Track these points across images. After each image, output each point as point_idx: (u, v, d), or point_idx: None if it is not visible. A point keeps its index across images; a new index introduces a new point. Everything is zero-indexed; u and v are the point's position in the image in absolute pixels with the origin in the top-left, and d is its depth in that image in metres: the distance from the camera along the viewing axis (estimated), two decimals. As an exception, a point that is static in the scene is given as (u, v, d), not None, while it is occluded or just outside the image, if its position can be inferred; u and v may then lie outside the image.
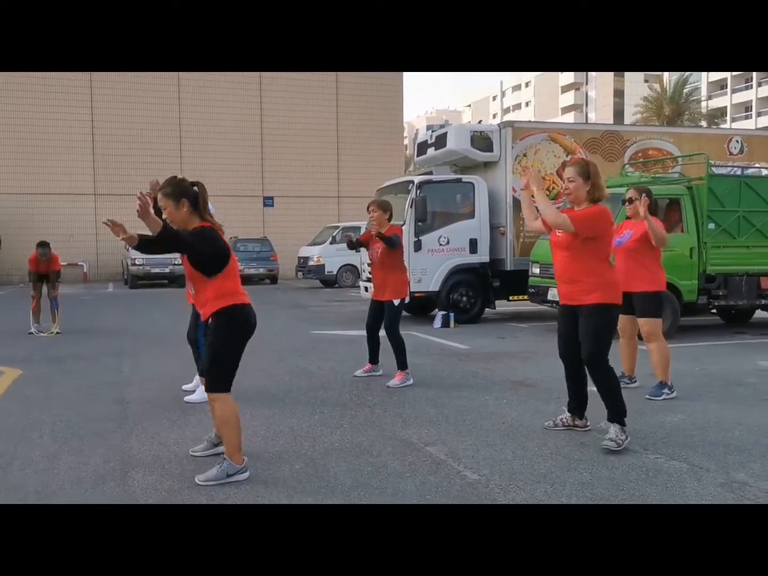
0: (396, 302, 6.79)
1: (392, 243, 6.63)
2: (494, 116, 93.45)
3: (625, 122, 60.29)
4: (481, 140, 11.83)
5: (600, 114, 76.34)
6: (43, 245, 10.95)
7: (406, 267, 7.17)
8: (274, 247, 24.77)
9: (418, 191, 11.32)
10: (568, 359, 4.84)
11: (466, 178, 11.90)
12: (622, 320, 6.24)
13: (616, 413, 4.57)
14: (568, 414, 5.00)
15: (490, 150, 11.86)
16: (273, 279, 24.49)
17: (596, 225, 4.53)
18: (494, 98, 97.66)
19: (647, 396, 5.98)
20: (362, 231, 12.70)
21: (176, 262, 22.35)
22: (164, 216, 3.94)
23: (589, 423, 4.98)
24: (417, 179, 11.68)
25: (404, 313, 12.66)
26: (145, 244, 3.68)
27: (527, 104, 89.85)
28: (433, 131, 12.82)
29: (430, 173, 12.36)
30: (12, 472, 4.10)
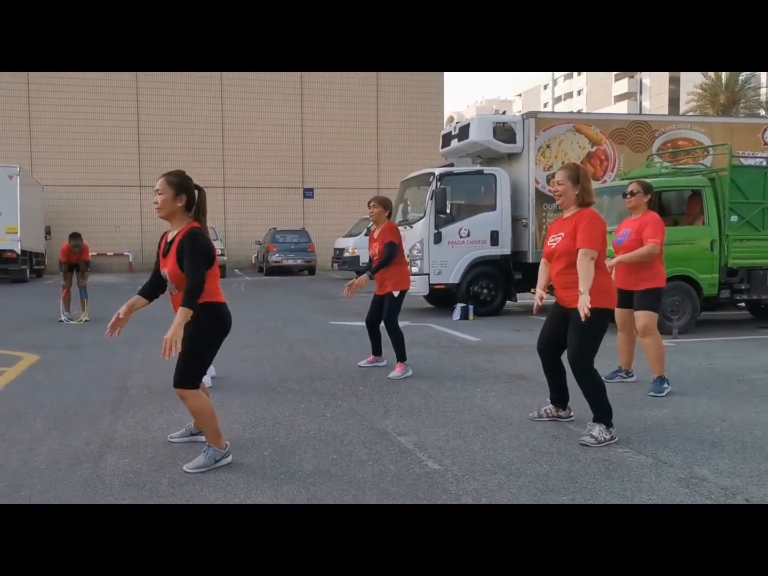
0: (396, 294, 6.83)
1: (388, 259, 6.77)
2: (545, 105, 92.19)
3: (680, 111, 58.74)
4: (504, 131, 11.78)
5: (654, 102, 74.46)
6: (75, 237, 11.34)
7: (406, 260, 7.23)
8: (314, 238, 25.08)
9: (439, 183, 11.35)
10: (545, 354, 4.93)
11: (487, 169, 11.87)
12: (621, 314, 6.24)
13: (602, 415, 4.58)
14: (551, 405, 5.06)
15: (513, 141, 11.81)
16: (311, 270, 24.80)
17: (602, 237, 4.60)
18: (545, 87, 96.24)
19: (650, 394, 5.86)
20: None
21: (218, 254, 22.89)
22: (155, 200, 4.00)
23: (572, 414, 5.03)
24: (438, 171, 11.70)
25: (425, 305, 12.82)
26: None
27: (579, 93, 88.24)
28: (457, 122, 12.80)
29: (452, 165, 12.36)
30: (-3, 452, 4.33)
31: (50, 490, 3.68)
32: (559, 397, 5.02)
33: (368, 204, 7.00)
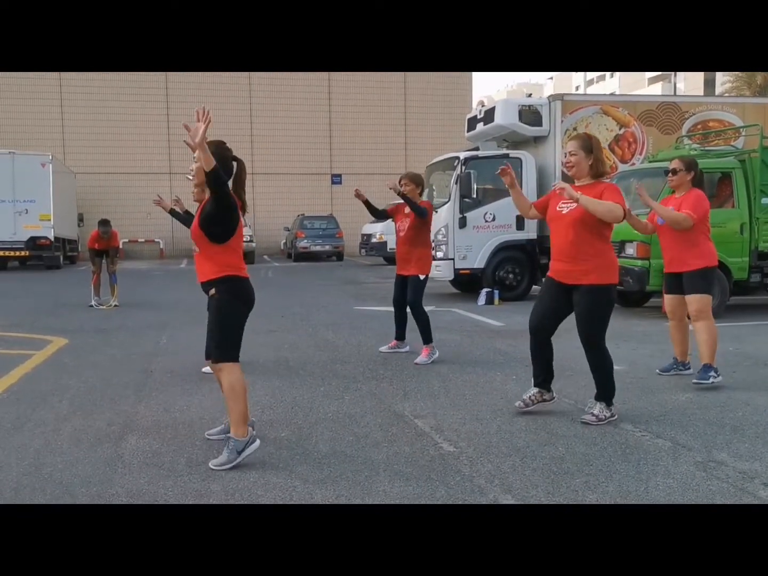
0: (421, 277, 6.75)
1: (420, 211, 6.58)
2: (577, 88, 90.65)
3: (716, 92, 57.43)
4: (530, 114, 11.66)
5: (689, 84, 72.79)
6: (104, 223, 11.48)
7: (431, 243, 7.10)
8: (342, 224, 25.10)
9: (464, 167, 11.28)
10: (540, 332, 4.72)
11: (513, 153, 11.76)
12: (671, 302, 5.94)
13: (605, 394, 4.59)
14: (536, 390, 4.82)
15: (539, 124, 11.68)
16: (339, 256, 24.85)
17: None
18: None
19: (694, 381, 5.59)
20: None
21: (246, 239, 23.04)
22: (191, 167, 3.93)
23: (555, 395, 4.90)
24: (463, 155, 11.63)
25: (451, 290, 12.78)
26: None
27: (612, 75, 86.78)
28: (483, 106, 12.70)
29: (477, 149, 12.27)
30: (22, 432, 4.43)
31: (71, 468, 3.76)
32: (545, 378, 4.80)
33: (399, 181, 6.91)
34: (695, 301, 5.68)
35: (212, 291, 3.95)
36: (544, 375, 4.83)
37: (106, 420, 4.68)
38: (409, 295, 6.78)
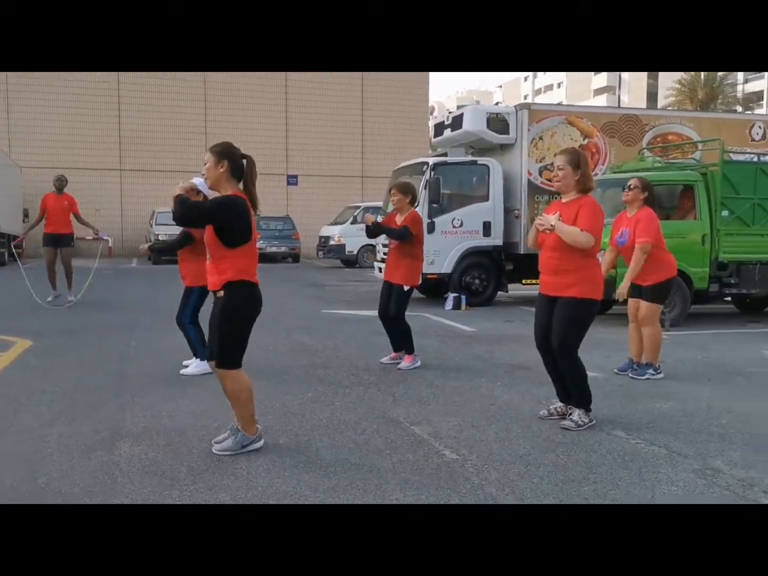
0: (405, 288, 6.65)
1: (398, 236, 6.55)
2: (525, 97, 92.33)
3: (659, 105, 59.25)
4: (497, 122, 11.77)
5: (633, 96, 75.01)
6: (59, 179, 11.19)
7: (423, 256, 6.87)
8: (298, 226, 24.88)
9: (433, 173, 11.32)
10: (544, 349, 4.82)
11: (481, 160, 11.87)
12: (632, 305, 6.44)
13: (582, 401, 4.70)
14: (561, 403, 4.92)
15: (506, 132, 11.80)
16: (295, 258, 24.60)
17: (601, 227, 4.62)
18: (525, 79, 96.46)
19: (630, 375, 6.22)
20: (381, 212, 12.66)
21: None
22: (203, 171, 4.03)
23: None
24: (432, 160, 11.67)
25: (417, 294, 12.80)
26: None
27: (559, 85, 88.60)
28: (450, 112, 12.78)
29: (445, 155, 12.33)
30: (8, 437, 4.26)
31: (67, 477, 3.62)
32: (567, 394, 4.87)
33: (389, 191, 6.85)
34: (644, 307, 6.29)
35: (220, 293, 3.94)
36: (565, 392, 4.85)
37: (91, 426, 4.52)
38: (393, 305, 6.67)
